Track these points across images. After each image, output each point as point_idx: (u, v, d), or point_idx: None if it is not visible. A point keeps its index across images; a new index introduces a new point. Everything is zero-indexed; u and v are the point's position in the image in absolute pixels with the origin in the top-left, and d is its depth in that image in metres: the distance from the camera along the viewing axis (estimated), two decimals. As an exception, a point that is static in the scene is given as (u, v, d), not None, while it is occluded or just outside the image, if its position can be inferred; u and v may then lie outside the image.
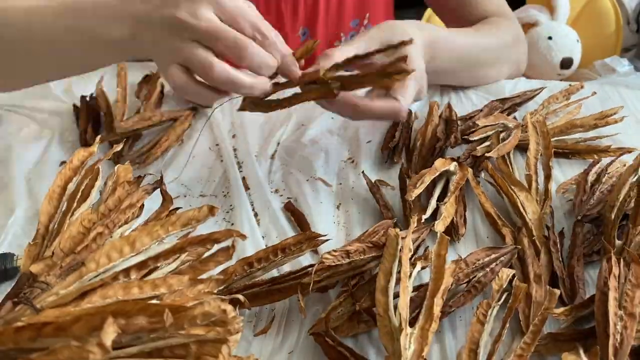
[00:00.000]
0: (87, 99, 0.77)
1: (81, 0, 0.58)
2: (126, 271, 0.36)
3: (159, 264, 0.37)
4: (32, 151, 0.70)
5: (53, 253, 0.39)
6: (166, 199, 0.47)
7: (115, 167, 0.48)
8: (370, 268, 0.49)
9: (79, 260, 0.38)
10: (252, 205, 0.61)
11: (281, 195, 0.62)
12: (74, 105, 0.77)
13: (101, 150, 0.70)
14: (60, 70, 0.66)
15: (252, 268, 0.47)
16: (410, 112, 0.72)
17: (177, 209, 0.50)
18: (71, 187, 0.44)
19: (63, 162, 0.68)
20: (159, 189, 0.48)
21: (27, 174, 0.66)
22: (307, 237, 0.47)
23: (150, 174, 0.50)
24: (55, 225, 0.42)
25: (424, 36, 0.65)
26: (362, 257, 0.47)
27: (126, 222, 0.44)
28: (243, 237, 0.38)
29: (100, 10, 0.55)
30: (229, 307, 0.29)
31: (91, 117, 0.74)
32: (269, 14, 0.88)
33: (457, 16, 0.85)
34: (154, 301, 0.34)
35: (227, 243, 0.39)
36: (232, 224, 0.59)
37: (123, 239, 0.37)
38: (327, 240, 0.49)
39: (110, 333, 0.25)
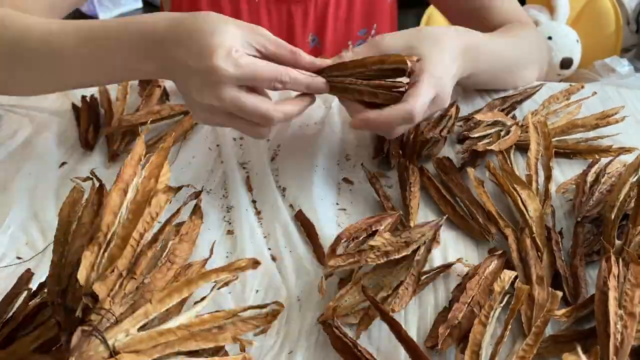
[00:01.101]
0: (88, 99, 0.77)
1: (104, 27, 0.59)
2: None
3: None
4: (32, 151, 0.70)
5: (113, 270, 0.39)
6: (196, 214, 0.47)
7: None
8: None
9: (142, 292, 0.40)
10: (254, 204, 0.61)
11: (284, 195, 0.62)
12: (73, 105, 0.77)
13: (98, 150, 0.70)
14: (79, 85, 0.68)
15: None
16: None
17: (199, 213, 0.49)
18: (130, 196, 0.42)
19: (63, 163, 0.68)
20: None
21: (27, 174, 0.66)
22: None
23: (191, 187, 0.49)
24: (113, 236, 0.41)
25: (462, 42, 0.62)
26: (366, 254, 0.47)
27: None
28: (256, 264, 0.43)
29: (131, 44, 0.56)
30: None
31: (92, 118, 0.74)
32: (280, 20, 0.90)
33: (476, 21, 0.81)
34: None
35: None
36: (231, 224, 0.59)
37: (182, 283, 0.40)
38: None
39: None
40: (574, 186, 0.60)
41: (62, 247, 0.44)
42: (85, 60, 0.59)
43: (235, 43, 0.51)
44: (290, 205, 0.61)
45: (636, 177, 0.53)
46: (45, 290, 0.42)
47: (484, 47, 0.69)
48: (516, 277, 0.47)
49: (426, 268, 0.50)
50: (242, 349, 0.41)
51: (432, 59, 0.57)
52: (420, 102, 0.55)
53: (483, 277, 0.48)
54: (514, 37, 0.77)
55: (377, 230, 0.52)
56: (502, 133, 0.65)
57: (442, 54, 0.59)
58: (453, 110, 0.71)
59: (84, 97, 0.77)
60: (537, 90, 0.77)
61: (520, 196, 0.55)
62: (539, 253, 0.51)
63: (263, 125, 0.54)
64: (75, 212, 0.46)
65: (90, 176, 0.45)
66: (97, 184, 0.43)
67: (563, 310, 0.45)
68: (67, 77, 0.63)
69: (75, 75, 0.63)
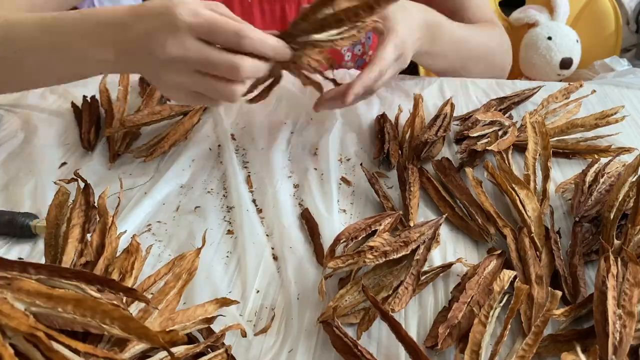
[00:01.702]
0: (89, 99, 0.77)
1: (62, 17, 0.57)
2: None
3: None
4: (32, 151, 0.70)
5: None
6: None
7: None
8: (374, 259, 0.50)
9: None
10: (254, 203, 0.61)
11: (284, 195, 0.62)
12: (73, 105, 0.77)
13: (98, 149, 0.70)
14: (47, 80, 0.66)
15: None
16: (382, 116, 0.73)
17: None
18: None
19: (63, 163, 0.68)
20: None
21: (27, 174, 0.66)
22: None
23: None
24: None
25: (426, 17, 0.68)
26: (366, 255, 0.47)
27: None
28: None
29: (86, 31, 0.56)
30: None
31: (93, 118, 0.74)
32: (274, 19, 0.89)
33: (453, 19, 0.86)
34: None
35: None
36: (231, 224, 0.59)
37: (169, 320, 0.42)
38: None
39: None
40: (573, 186, 0.60)
41: (54, 250, 0.44)
42: (42, 52, 0.58)
43: (195, 3, 0.52)
44: (291, 206, 0.61)
45: (635, 177, 0.53)
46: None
47: (445, 29, 0.74)
48: (515, 277, 0.48)
49: (426, 268, 0.51)
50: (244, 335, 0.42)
51: (398, 20, 0.61)
52: (387, 58, 0.61)
53: (482, 276, 0.48)
54: (477, 32, 0.83)
55: (376, 230, 0.52)
56: (500, 133, 0.65)
57: (408, 19, 0.64)
58: (448, 108, 0.71)
59: (85, 97, 0.77)
60: (535, 92, 0.77)
61: (518, 196, 0.55)
62: (537, 252, 0.51)
63: (233, 79, 0.52)
64: (63, 215, 0.46)
65: (75, 177, 0.45)
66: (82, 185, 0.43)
67: (562, 310, 0.45)
68: (27, 70, 0.61)
69: (35, 68, 0.61)
